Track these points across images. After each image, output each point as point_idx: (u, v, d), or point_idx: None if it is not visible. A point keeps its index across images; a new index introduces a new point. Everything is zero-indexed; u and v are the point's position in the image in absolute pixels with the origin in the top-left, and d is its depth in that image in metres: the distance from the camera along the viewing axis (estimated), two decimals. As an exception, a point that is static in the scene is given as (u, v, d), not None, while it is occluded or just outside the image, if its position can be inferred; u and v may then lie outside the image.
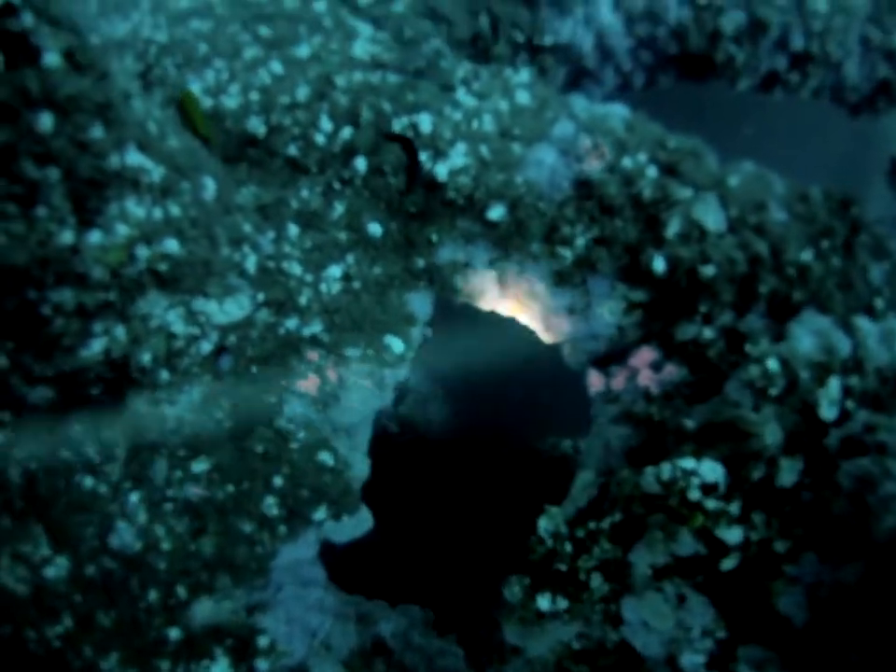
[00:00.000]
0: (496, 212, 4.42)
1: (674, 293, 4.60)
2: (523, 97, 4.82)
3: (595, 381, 4.90)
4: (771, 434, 4.34)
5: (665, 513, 4.34)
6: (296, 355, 4.65)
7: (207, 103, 5.12)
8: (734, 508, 4.28)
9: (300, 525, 4.75)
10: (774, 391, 4.38)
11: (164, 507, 4.70)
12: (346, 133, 4.77)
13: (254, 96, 5.02)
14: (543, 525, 4.65)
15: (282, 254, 4.71)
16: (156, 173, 4.15)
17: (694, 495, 4.28)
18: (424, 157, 4.51)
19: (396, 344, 4.65)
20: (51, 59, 3.66)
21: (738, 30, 6.08)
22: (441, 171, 4.44)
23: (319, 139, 4.82)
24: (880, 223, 5.21)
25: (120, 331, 4.25)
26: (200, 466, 4.68)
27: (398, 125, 4.66)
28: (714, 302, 4.63)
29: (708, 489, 4.30)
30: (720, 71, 5.92)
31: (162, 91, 5.39)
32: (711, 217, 4.57)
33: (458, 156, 4.46)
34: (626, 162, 4.61)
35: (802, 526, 4.30)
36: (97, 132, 3.85)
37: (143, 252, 4.08)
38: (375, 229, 4.68)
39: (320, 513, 4.67)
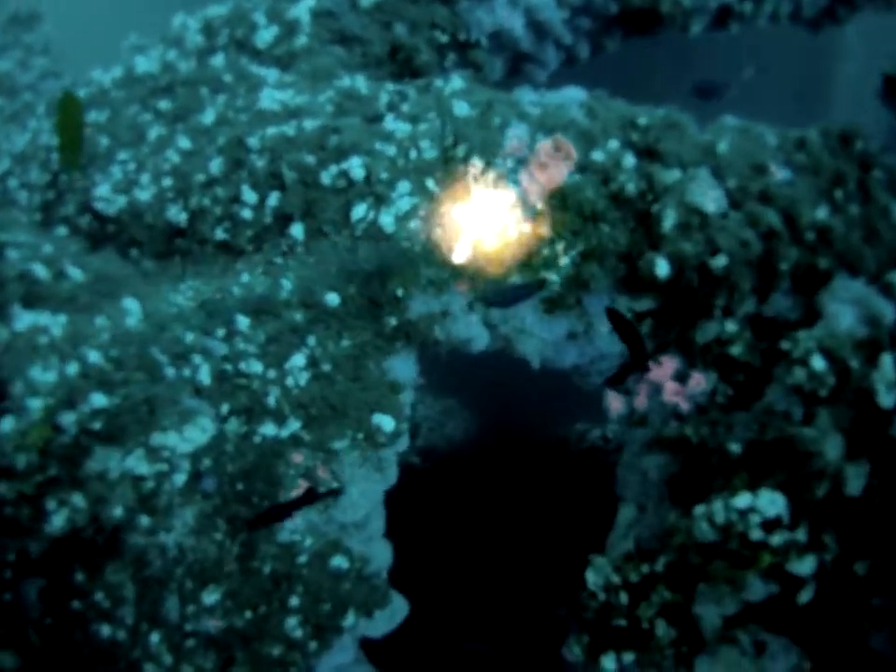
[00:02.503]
0: (461, 253, 3.26)
1: (685, 294, 3.43)
2: (461, 108, 3.59)
3: (614, 403, 3.75)
4: (832, 448, 3.17)
5: (727, 560, 3.22)
6: (280, 460, 3.56)
7: (121, 202, 3.99)
8: (801, 535, 3.14)
9: (331, 636, 3.70)
10: (824, 392, 3.23)
11: (186, 644, 3.68)
12: (273, 199, 3.61)
13: (167, 181, 3.87)
14: (592, 578, 3.53)
15: (237, 353, 3.58)
16: (56, 325, 3.04)
17: (756, 535, 3.13)
18: (364, 208, 3.35)
19: (386, 422, 3.49)
20: None
21: (679, -30, 4.80)
22: (387, 220, 3.27)
23: (246, 214, 3.67)
24: (888, 151, 3.96)
25: (79, 499, 3.19)
26: (211, 597, 3.63)
27: (326, 177, 3.49)
28: (732, 293, 3.45)
29: (771, 525, 3.16)
30: (668, 20, 4.65)
31: (74, 199, 4.27)
32: (709, 196, 3.36)
33: (402, 197, 3.29)
34: (597, 156, 3.38)
35: (880, 539, 3.18)
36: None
37: (69, 418, 2.98)
38: (332, 298, 3.52)
39: (349, 620, 3.62)
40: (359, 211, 3.33)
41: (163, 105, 4.13)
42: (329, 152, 3.49)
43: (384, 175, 3.33)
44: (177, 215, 3.78)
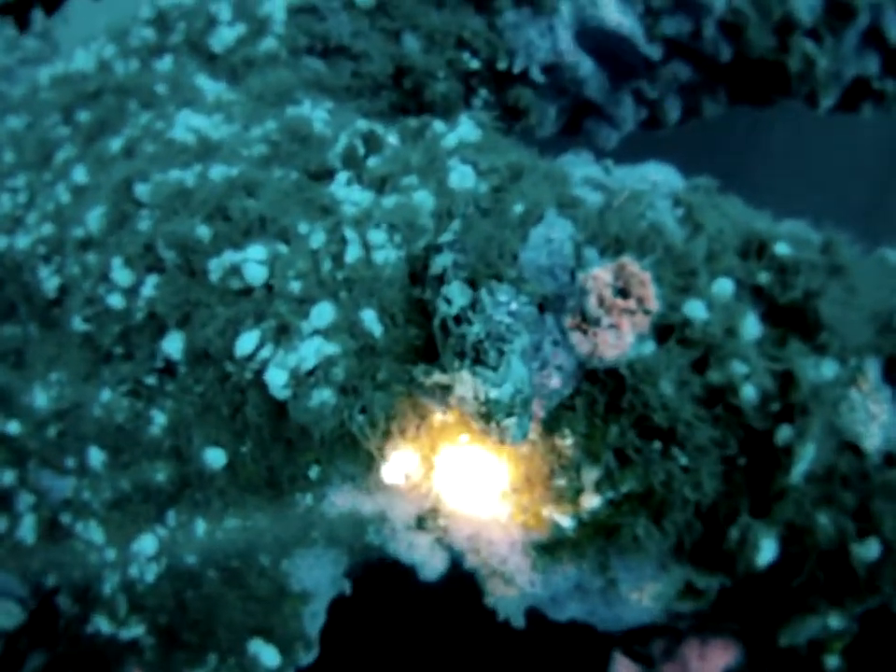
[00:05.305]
0: (404, 464, 1.36)
1: (783, 589, 1.36)
2: (463, 176, 1.58)
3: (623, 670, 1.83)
4: None
5: None
6: (116, 669, 1.82)
7: (1, 244, 2.26)
8: None
9: None
10: None
11: None
12: (149, 286, 1.70)
13: (46, 228, 2.08)
14: None
15: (80, 503, 1.84)
16: None
17: None
18: (252, 339, 1.50)
19: (268, 656, 1.64)
20: None
21: (815, 19, 2.62)
22: (277, 376, 1.34)
23: (114, 300, 1.81)
24: None
25: None
26: None
27: (216, 269, 1.64)
28: (865, 593, 1.41)
29: None
30: (795, 85, 2.51)
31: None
32: (876, 422, 1.34)
33: (311, 339, 1.38)
34: (694, 310, 1.39)
35: None
36: None
37: None
38: (216, 457, 1.69)
39: None
40: (246, 343, 1.44)
41: (84, 116, 2.37)
42: (230, 224, 1.64)
43: (294, 286, 1.43)
44: (49, 280, 2.02)
